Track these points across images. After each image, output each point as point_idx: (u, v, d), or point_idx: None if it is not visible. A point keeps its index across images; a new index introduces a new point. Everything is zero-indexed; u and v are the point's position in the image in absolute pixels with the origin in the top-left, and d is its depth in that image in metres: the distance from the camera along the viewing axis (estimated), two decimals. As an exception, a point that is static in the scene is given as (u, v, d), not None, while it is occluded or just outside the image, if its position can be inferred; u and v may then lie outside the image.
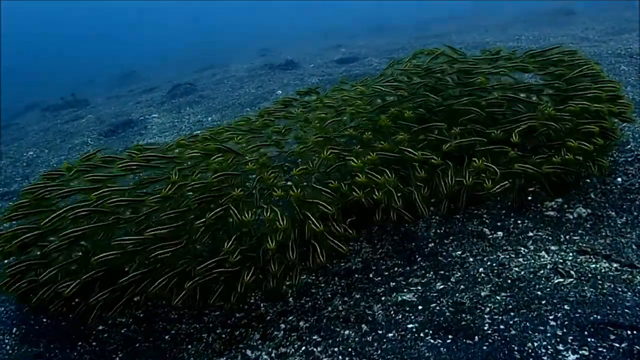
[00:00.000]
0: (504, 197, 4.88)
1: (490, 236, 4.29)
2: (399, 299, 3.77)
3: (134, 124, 14.55)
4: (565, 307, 3.04)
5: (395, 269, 4.33)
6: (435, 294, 3.66)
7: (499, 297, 3.33)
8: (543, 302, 3.12)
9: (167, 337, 4.40)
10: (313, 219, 4.08)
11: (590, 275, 3.43)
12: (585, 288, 3.24)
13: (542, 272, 3.54)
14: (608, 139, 4.55)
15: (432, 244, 4.44)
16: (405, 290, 3.89)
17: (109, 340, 4.37)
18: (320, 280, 4.60)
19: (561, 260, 3.68)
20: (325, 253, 4.08)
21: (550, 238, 4.09)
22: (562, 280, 3.37)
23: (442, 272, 3.97)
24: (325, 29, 30.45)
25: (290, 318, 4.14)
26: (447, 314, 3.32)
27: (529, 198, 4.73)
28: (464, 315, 3.21)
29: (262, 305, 4.46)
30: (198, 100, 15.55)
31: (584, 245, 3.86)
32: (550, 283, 3.36)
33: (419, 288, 3.84)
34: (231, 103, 14.22)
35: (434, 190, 4.71)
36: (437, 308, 3.45)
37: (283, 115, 5.57)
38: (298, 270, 4.22)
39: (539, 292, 3.26)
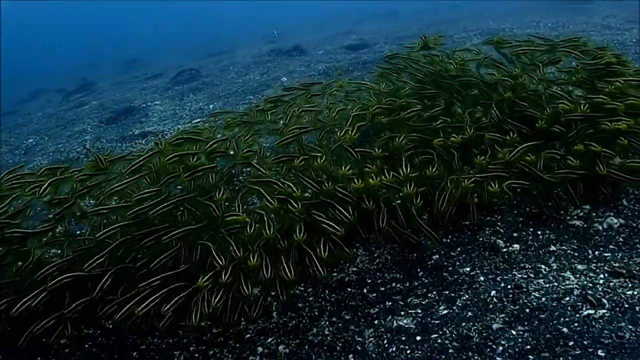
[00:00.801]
0: (522, 202, 4.25)
1: (505, 250, 3.67)
2: (395, 324, 3.19)
3: (136, 111, 14.16)
4: (600, 352, 2.43)
5: (393, 284, 3.74)
6: (437, 321, 3.07)
7: (514, 332, 2.73)
8: (570, 343, 2.51)
9: (134, 353, 3.89)
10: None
11: (626, 305, 2.81)
12: (623, 324, 2.62)
13: (567, 299, 2.93)
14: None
15: (437, 256, 3.84)
16: (402, 313, 3.30)
17: (69, 357, 3.87)
18: (309, 292, 4.05)
19: (590, 285, 3.05)
20: (295, 270, 3.43)
21: (576, 254, 3.46)
22: (592, 311, 2.76)
23: (446, 292, 3.37)
24: (336, 16, 29.60)
25: (270, 340, 3.59)
26: (451, 350, 2.73)
27: (549, 204, 4.09)
28: (470, 354, 2.62)
29: (242, 319, 3.91)
30: (201, 87, 15.06)
31: (617, 265, 3.23)
32: (578, 315, 2.74)
33: (419, 311, 3.25)
34: (234, 90, 13.69)
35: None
36: (439, 341, 2.86)
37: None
38: (262, 298, 3.58)
39: (564, 328, 2.64)
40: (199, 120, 11.62)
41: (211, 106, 12.74)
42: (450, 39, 15.13)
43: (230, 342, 3.75)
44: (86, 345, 3.96)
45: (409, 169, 3.62)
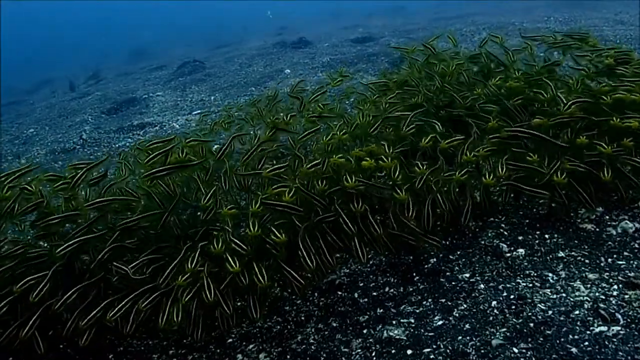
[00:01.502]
0: (529, 202, 3.94)
1: (509, 255, 3.36)
2: (385, 334, 2.90)
3: (137, 102, 13.96)
4: (613, 379, 2.13)
5: (387, 289, 3.45)
6: (431, 333, 2.77)
7: (516, 350, 2.42)
8: (579, 366, 2.21)
9: (111, 356, 3.65)
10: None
11: (644, 321, 2.50)
12: (640, 345, 2.31)
13: (577, 312, 2.62)
14: None
15: (435, 260, 3.55)
16: (394, 322, 3.01)
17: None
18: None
19: (603, 297, 2.74)
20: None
21: (587, 261, 3.15)
22: (604, 328, 2.45)
23: (443, 300, 3.07)
24: (344, 11, 29.22)
25: (251, 346, 3.32)
26: (444, 368, 2.44)
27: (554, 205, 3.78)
28: (465, 373, 2.32)
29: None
30: (204, 79, 14.83)
31: (633, 274, 2.91)
32: (589, 332, 2.44)
33: (412, 321, 2.96)
34: (237, 82, 13.44)
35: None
36: (432, 356, 2.57)
37: None
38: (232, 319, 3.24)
39: (573, 348, 2.33)
40: (198, 111, 11.38)
41: (212, 97, 12.51)
42: (458, 33, 14.78)
43: (211, 346, 3.51)
44: (60, 346, 3.72)
45: (397, 171, 3.30)
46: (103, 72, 22.68)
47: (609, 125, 3.53)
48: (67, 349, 3.69)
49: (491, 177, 3.28)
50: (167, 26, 36.24)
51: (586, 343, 2.36)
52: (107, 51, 29.95)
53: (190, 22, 36.48)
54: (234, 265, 2.99)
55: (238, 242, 3.08)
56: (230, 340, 3.50)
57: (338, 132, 3.62)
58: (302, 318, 3.47)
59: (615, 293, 2.77)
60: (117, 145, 9.76)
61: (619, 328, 2.46)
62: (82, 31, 42.00)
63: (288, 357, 3.05)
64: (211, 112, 11.05)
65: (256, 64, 15.15)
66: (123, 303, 3.09)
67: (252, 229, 3.20)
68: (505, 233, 3.62)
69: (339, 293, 3.62)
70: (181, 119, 11.03)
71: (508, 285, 3.01)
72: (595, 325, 2.51)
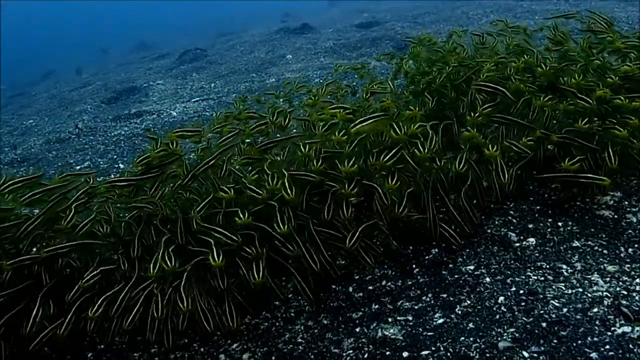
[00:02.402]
0: (541, 187, 3.61)
1: (518, 244, 3.04)
2: (379, 334, 2.61)
3: (137, 90, 13.76)
4: (641, 391, 1.83)
5: (383, 282, 3.16)
6: (430, 333, 2.47)
7: (526, 354, 2.12)
8: (600, 374, 1.91)
9: (90, 354, 3.44)
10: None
11: (673, 320, 2.19)
12: (670, 348, 2.00)
13: (595, 310, 2.31)
14: None
15: (436, 250, 3.24)
16: (390, 319, 2.72)
17: (17, 358, 3.38)
18: (289, 288, 3.50)
19: (624, 292, 2.42)
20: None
21: (605, 251, 2.82)
22: (628, 328, 2.14)
23: (444, 295, 2.77)
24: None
25: (235, 346, 3.05)
26: (443, 374, 2.14)
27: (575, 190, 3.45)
28: (468, 382, 2.03)
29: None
30: (205, 66, 14.57)
31: (658, 266, 2.60)
32: (609, 334, 2.13)
33: (409, 319, 2.66)
34: (238, 68, 13.16)
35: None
36: (430, 360, 2.27)
37: None
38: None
39: (593, 353, 2.03)
40: (197, 99, 11.12)
41: (212, 85, 12.26)
42: (465, 16, 14.36)
43: (195, 345, 3.25)
44: (37, 345, 3.47)
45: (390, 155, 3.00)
46: (105, 62, 22.58)
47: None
48: (44, 347, 3.46)
49: (495, 148, 2.99)
50: (167, 26, 36.03)
51: (607, 346, 2.06)
52: (108, 47, 29.87)
53: (190, 22, 36.25)
54: (217, 259, 2.79)
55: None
56: (215, 337, 3.25)
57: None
58: (292, 314, 3.19)
59: (638, 288, 2.46)
60: (112, 134, 9.51)
61: (644, 328, 2.15)
62: (82, 30, 42.20)
63: (273, 358, 2.78)
64: (210, 99, 10.81)
65: (258, 51, 14.86)
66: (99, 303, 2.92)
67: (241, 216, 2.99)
68: (514, 221, 3.29)
69: (333, 286, 3.33)
70: (179, 106, 10.77)
71: (517, 279, 2.69)
72: (617, 325, 2.20)
